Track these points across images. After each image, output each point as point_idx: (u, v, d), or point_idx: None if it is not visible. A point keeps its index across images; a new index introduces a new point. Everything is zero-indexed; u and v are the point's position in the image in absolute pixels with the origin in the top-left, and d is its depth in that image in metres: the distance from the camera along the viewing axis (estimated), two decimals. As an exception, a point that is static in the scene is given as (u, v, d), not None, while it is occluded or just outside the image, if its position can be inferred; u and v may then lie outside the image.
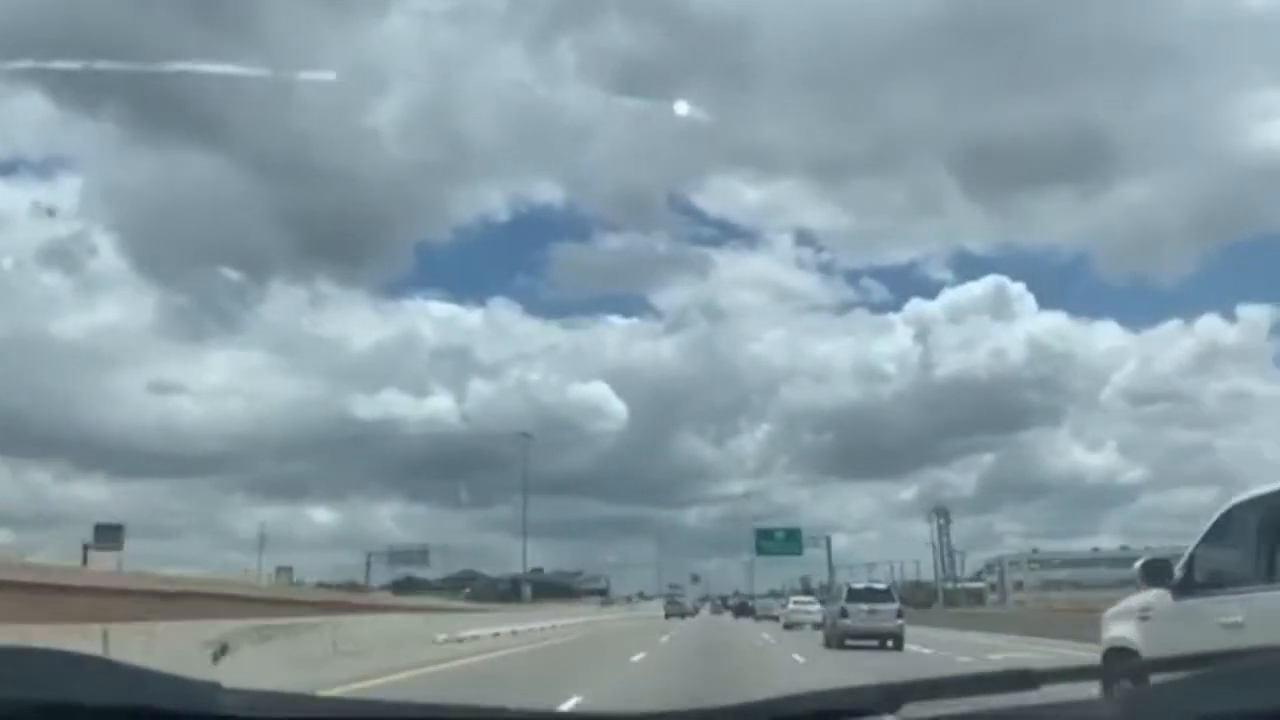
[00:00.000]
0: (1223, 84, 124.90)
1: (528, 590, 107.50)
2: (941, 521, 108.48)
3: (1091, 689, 1.51)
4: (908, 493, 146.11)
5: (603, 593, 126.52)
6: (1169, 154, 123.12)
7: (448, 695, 11.76)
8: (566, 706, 9.92)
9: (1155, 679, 1.34)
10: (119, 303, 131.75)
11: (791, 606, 44.12)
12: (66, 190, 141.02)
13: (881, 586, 27.46)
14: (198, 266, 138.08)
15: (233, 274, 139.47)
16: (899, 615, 23.85)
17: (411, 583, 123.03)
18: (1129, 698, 1.29)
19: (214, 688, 1.32)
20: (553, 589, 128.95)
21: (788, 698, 1.35)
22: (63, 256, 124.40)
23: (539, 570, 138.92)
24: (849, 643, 23.30)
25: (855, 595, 24.77)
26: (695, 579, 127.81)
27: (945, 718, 1.32)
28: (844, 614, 24.03)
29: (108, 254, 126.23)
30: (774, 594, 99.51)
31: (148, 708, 1.22)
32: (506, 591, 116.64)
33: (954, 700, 1.35)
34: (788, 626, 38.86)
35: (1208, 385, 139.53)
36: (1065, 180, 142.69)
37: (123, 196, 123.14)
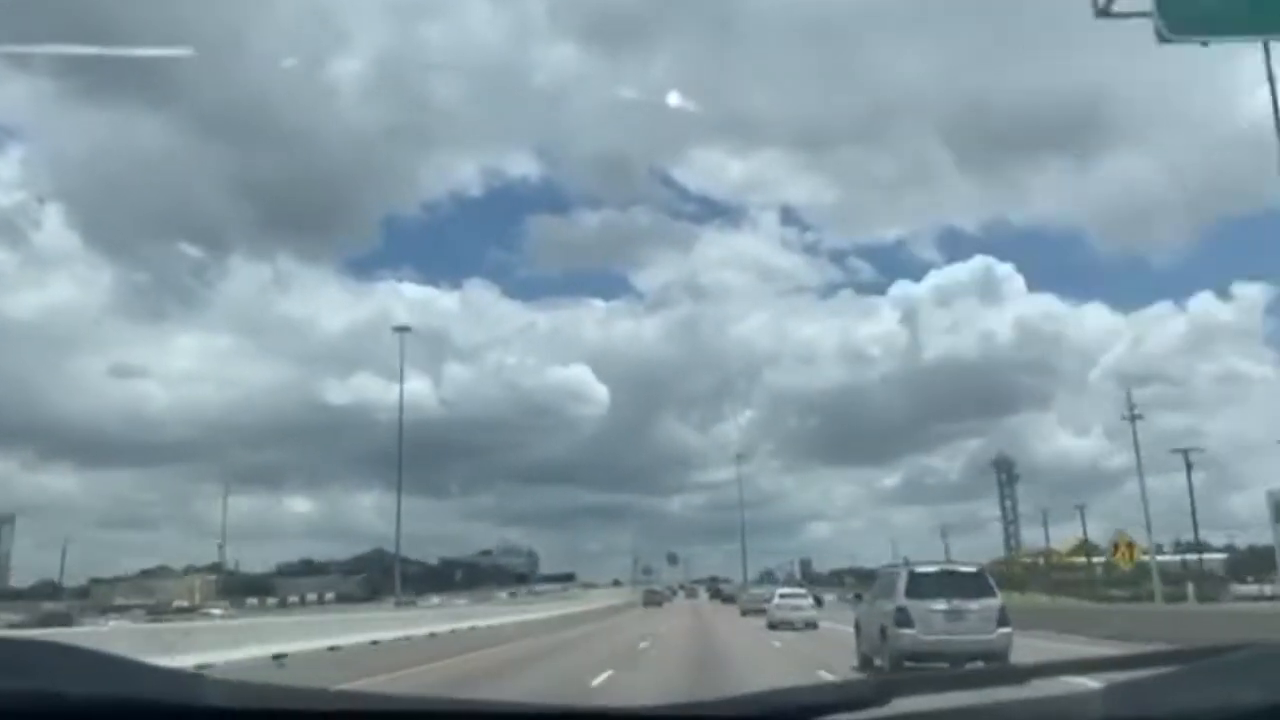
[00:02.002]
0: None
1: (438, 582, 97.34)
2: (1005, 477, 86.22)
3: (1080, 683, 1.52)
4: (892, 479, 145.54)
5: (521, 579, 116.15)
6: (1167, 119, 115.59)
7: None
8: None
9: (1142, 673, 1.35)
10: (72, 280, 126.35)
11: (777, 600, 35.61)
12: (8, 158, 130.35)
13: (970, 569, 16.83)
14: (151, 239, 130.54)
15: (190, 249, 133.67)
16: (1003, 621, 14.62)
17: (311, 567, 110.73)
18: (1116, 692, 1.30)
19: (199, 679, 1.33)
20: (482, 574, 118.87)
21: (778, 691, 1.36)
22: (5, 229, 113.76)
23: (487, 553, 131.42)
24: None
25: (924, 585, 14.84)
26: (673, 559, 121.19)
27: (934, 712, 1.33)
28: (903, 619, 14.38)
29: (55, 226, 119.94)
30: (766, 577, 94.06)
31: (134, 698, 1.22)
32: (416, 578, 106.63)
33: (943, 695, 1.36)
34: (772, 626, 31.92)
35: (1200, 367, 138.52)
36: (1059, 148, 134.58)
37: (67, 163, 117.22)
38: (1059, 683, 1.43)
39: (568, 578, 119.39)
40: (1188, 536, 74.30)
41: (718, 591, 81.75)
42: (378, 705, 1.45)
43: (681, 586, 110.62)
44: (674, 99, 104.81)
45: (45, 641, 1.28)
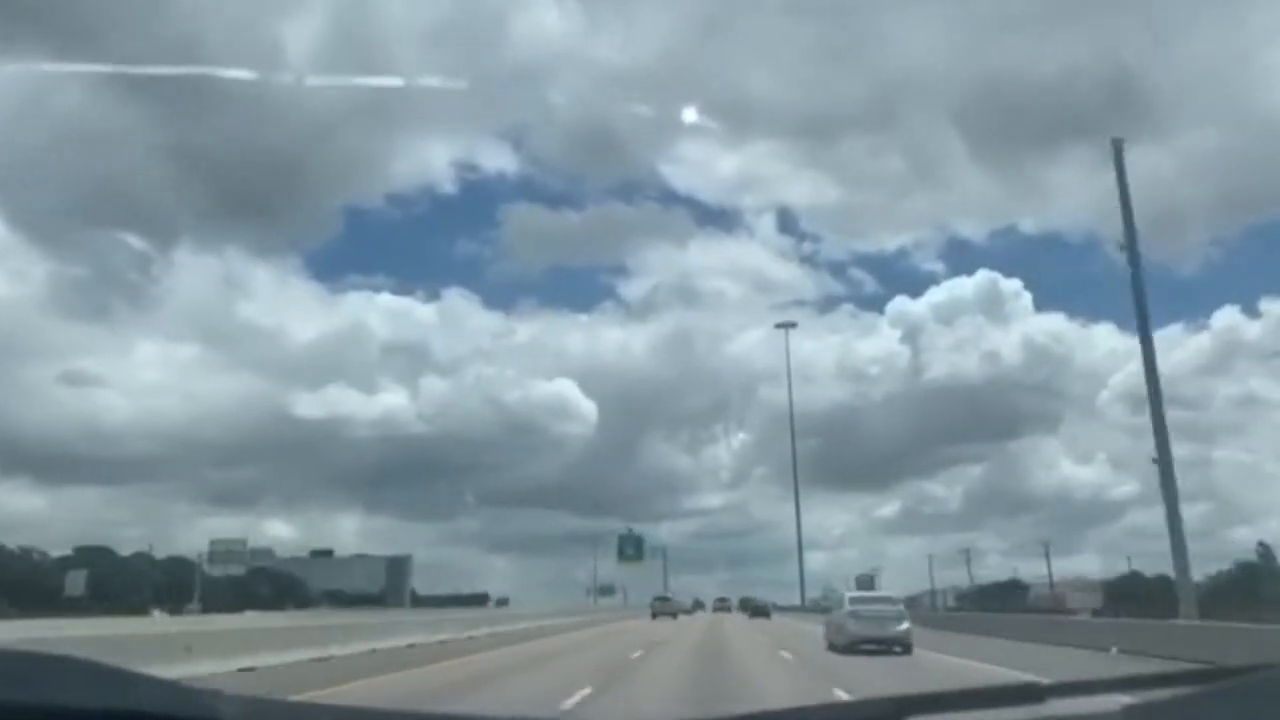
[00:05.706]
0: (1273, 24, 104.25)
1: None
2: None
3: (1099, 703, 1.50)
4: (889, 508, 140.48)
5: (370, 601, 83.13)
6: (1203, 110, 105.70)
7: (447, 704, 11.69)
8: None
9: (1162, 693, 1.33)
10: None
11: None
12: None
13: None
14: (77, 225, 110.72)
15: (128, 236, 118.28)
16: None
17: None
18: (1136, 712, 1.28)
19: (214, 694, 1.32)
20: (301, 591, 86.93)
21: (789, 710, 1.34)
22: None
23: (327, 553, 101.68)
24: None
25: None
26: (630, 550, 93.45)
27: None
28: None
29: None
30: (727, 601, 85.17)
31: (148, 714, 1.22)
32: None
33: (958, 714, 1.34)
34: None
35: (1222, 389, 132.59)
36: (1078, 140, 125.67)
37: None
38: (1078, 702, 1.40)
39: (478, 600, 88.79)
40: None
41: (759, 608, 74.26)
42: None
43: (712, 602, 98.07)
44: (661, 82, 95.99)
45: (60, 656, 1.28)
